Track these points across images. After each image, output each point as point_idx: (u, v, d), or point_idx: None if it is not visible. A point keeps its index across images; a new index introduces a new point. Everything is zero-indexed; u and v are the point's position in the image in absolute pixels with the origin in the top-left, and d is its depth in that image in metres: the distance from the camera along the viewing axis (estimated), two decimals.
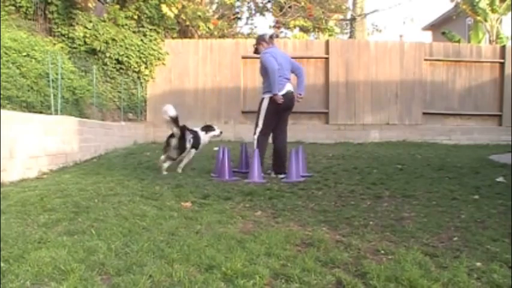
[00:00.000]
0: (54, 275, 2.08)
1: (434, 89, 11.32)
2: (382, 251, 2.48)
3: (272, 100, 5.16)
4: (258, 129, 5.26)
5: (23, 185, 4.45)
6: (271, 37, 5.40)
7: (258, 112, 5.30)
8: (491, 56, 11.39)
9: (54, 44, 9.51)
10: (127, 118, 10.36)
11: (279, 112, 5.26)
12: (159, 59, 10.88)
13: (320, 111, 11.16)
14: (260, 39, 5.46)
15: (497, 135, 10.95)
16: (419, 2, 35.93)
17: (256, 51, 5.47)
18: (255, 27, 20.79)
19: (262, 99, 5.28)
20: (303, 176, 5.12)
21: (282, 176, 5.14)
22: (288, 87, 5.28)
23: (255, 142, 5.24)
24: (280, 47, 11.15)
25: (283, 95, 5.18)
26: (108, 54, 10.02)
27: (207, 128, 5.88)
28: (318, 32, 17.44)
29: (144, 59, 10.56)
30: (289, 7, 15.65)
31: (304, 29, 16.83)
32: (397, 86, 11.19)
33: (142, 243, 2.51)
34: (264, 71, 5.24)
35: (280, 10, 15.97)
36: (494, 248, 2.51)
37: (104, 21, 10.11)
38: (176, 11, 10.88)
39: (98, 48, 9.80)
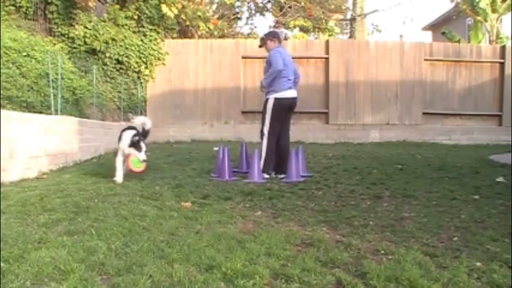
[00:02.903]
0: (54, 275, 2.08)
1: (434, 89, 11.32)
2: (382, 251, 2.48)
3: (276, 100, 5.18)
4: (266, 129, 5.24)
5: (23, 185, 4.45)
6: (285, 38, 5.37)
7: (264, 112, 5.30)
8: (491, 56, 11.38)
9: (54, 44, 9.51)
10: (127, 118, 10.35)
11: (284, 111, 5.28)
12: (159, 59, 10.87)
13: (320, 111, 11.15)
14: (274, 35, 5.43)
15: (497, 135, 10.94)
16: (419, 2, 35.94)
17: (264, 45, 5.42)
18: (255, 27, 20.83)
19: (267, 99, 5.28)
20: (303, 176, 5.12)
21: (282, 176, 5.14)
22: (292, 93, 5.30)
23: (265, 140, 5.24)
24: None
25: (286, 99, 5.21)
26: (108, 54, 10.02)
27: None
28: (318, 32, 17.45)
29: (144, 59, 10.56)
30: (289, 7, 15.66)
31: (304, 29, 16.85)
32: (397, 86, 11.19)
33: (142, 243, 2.51)
34: (268, 68, 5.26)
35: (280, 10, 15.98)
36: (494, 248, 2.51)
37: (104, 21, 10.11)
38: (176, 11, 10.87)
39: (98, 48, 9.80)
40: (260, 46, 5.55)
